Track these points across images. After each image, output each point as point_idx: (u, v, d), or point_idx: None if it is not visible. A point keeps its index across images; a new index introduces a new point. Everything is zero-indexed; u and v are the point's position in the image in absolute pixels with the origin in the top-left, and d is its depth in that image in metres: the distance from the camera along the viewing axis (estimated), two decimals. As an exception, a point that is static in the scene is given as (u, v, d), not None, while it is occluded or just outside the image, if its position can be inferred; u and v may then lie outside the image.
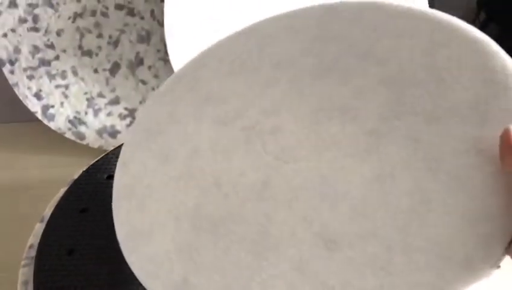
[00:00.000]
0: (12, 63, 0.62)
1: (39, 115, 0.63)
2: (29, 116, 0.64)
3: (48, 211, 0.45)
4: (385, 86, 0.35)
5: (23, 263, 0.42)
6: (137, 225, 0.34)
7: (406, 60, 0.35)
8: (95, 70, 0.64)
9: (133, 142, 0.41)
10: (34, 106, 0.63)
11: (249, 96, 0.39)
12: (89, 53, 0.64)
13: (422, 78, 0.34)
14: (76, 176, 0.47)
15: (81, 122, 0.64)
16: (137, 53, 0.64)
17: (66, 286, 0.38)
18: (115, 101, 0.65)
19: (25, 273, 0.41)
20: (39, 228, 0.44)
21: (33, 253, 0.42)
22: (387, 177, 0.31)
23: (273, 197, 0.33)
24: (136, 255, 0.32)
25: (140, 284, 0.34)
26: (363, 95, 0.35)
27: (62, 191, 0.47)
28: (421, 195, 0.30)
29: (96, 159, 0.49)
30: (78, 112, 0.64)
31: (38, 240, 0.42)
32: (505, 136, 0.28)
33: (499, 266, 0.29)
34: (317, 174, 0.33)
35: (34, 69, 0.63)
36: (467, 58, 0.34)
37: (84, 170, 0.48)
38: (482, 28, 1.84)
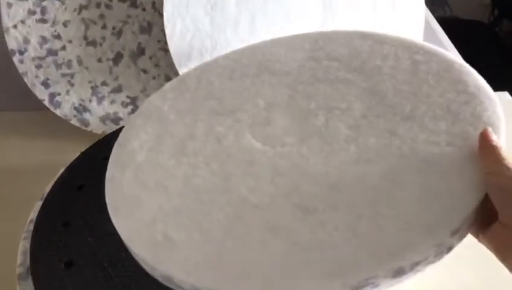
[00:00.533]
0: (21, 52, 0.66)
1: (46, 103, 0.67)
2: (37, 105, 0.67)
3: (47, 189, 0.48)
4: (370, 94, 0.40)
5: (23, 235, 0.45)
6: (127, 192, 0.37)
7: (390, 75, 0.41)
8: (99, 60, 0.67)
9: (132, 126, 0.44)
10: (42, 93, 0.66)
11: (245, 96, 0.44)
12: (93, 43, 0.67)
13: (403, 89, 0.39)
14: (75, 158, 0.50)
15: (86, 109, 0.67)
16: (139, 43, 0.66)
17: (60, 255, 0.41)
18: (118, 90, 0.67)
19: (24, 244, 0.44)
20: (39, 204, 0.47)
21: (32, 227, 0.45)
22: (363, 161, 0.35)
23: (257, 173, 0.36)
24: (122, 218, 0.35)
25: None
26: (348, 99, 0.40)
27: (61, 171, 0.50)
28: (393, 175, 0.34)
29: (94, 142, 0.51)
30: (82, 100, 0.67)
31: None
32: (483, 136, 0.33)
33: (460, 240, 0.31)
34: (299, 157, 0.37)
35: (41, 58, 0.66)
36: (444, 73, 0.39)
37: (83, 151, 0.50)
38: (496, 24, 1.81)
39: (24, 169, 0.64)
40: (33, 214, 0.46)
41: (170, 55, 0.61)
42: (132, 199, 0.36)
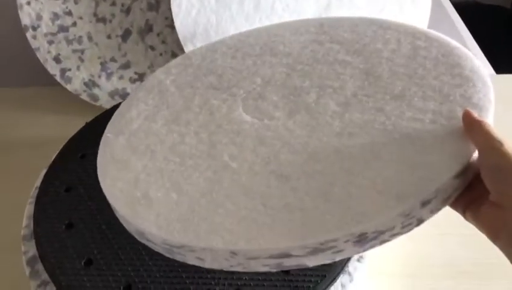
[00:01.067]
0: (34, 28, 0.67)
1: (58, 78, 0.69)
2: (48, 80, 0.69)
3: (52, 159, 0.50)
4: (365, 74, 0.41)
5: (29, 200, 0.47)
6: (117, 156, 0.39)
7: (388, 59, 0.42)
8: (108, 36, 0.68)
9: (134, 97, 0.46)
10: (53, 69, 0.68)
11: (245, 74, 0.45)
12: (103, 20, 0.68)
13: (399, 71, 0.40)
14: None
15: (95, 84, 0.69)
16: (147, 20, 0.67)
17: (61, 218, 0.42)
18: (126, 66, 0.69)
19: (29, 209, 0.46)
20: (44, 172, 0.49)
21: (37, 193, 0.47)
22: (345, 135, 0.36)
23: (241, 143, 0.38)
24: (109, 179, 0.37)
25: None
26: (343, 78, 0.41)
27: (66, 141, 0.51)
28: (372, 147, 0.34)
29: (98, 114, 0.53)
30: (92, 75, 0.69)
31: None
32: (466, 114, 0.33)
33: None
34: (284, 129, 0.38)
35: (53, 34, 0.68)
36: (442, 58, 0.40)
37: (87, 122, 0.52)
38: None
39: (36, 141, 0.66)
40: (38, 181, 0.48)
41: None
42: (121, 162, 0.38)
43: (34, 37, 0.68)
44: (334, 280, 0.38)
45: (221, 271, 0.38)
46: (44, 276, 0.40)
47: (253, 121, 0.39)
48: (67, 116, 0.68)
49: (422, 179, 0.31)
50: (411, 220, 0.31)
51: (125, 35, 0.68)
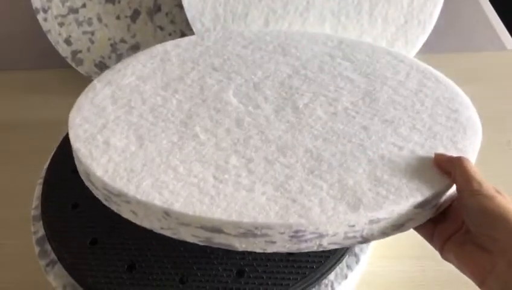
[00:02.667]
0: (45, 11, 0.68)
1: (69, 60, 0.69)
2: (60, 62, 0.70)
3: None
4: (363, 94, 0.42)
5: (39, 181, 0.47)
6: (96, 102, 0.42)
7: (391, 87, 0.42)
8: (118, 17, 0.68)
9: (134, 57, 0.48)
10: (64, 51, 0.69)
11: (249, 64, 0.46)
12: (111, 0, 0.67)
13: (396, 100, 0.41)
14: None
15: (106, 66, 0.69)
16: (155, 0, 0.67)
17: (68, 199, 0.43)
18: (135, 46, 0.69)
19: (39, 190, 0.46)
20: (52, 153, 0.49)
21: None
22: (320, 139, 0.37)
23: (218, 120, 0.39)
24: (78, 119, 0.40)
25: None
26: (340, 92, 0.42)
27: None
28: (342, 156, 0.35)
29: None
30: (102, 57, 0.69)
31: (50, 162, 0.48)
32: (435, 160, 0.34)
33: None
34: (265, 120, 0.39)
35: (63, 16, 0.68)
36: (443, 101, 0.41)
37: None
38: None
39: (47, 123, 0.67)
40: (47, 162, 0.48)
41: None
42: (97, 107, 0.40)
43: (45, 20, 0.68)
44: (338, 260, 0.38)
45: (224, 251, 0.38)
46: (53, 255, 0.41)
47: (238, 106, 0.40)
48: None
49: (379, 196, 0.31)
50: (355, 234, 0.31)
51: (134, 15, 0.68)
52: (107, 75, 0.45)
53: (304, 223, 0.29)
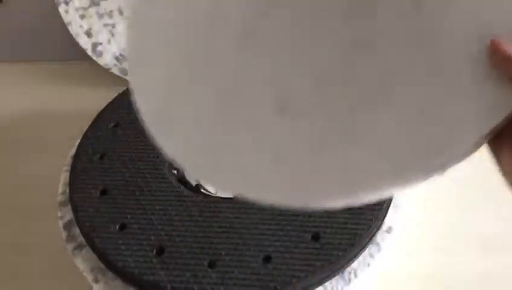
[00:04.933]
0: (67, 3, 0.68)
1: (89, 52, 0.70)
2: (80, 55, 0.71)
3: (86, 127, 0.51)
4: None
5: (64, 168, 0.48)
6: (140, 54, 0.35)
7: None
8: (138, 10, 0.69)
9: None
10: (85, 43, 0.69)
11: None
12: (133, -6, 0.68)
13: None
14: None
15: (125, 59, 0.70)
16: (177, -6, 0.68)
17: (96, 184, 0.44)
18: (156, 40, 0.69)
19: (65, 176, 0.47)
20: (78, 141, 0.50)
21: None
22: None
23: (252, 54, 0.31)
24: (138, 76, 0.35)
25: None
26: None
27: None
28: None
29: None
30: (123, 50, 0.70)
31: (76, 150, 0.49)
32: (492, 46, 0.25)
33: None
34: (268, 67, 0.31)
35: (85, 9, 0.69)
36: None
37: (120, 92, 0.53)
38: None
39: (69, 114, 0.68)
40: (73, 150, 0.49)
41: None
42: (145, 63, 0.35)
43: (67, 12, 0.69)
44: (363, 249, 0.39)
45: (251, 237, 0.38)
46: (80, 239, 0.41)
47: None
48: (99, 90, 0.69)
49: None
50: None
51: (155, 9, 0.69)
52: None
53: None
